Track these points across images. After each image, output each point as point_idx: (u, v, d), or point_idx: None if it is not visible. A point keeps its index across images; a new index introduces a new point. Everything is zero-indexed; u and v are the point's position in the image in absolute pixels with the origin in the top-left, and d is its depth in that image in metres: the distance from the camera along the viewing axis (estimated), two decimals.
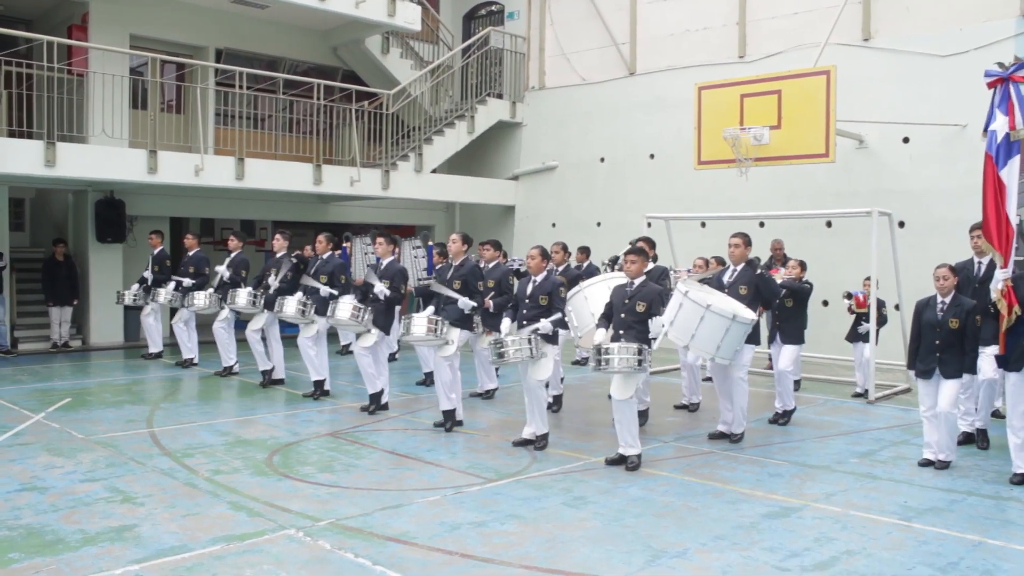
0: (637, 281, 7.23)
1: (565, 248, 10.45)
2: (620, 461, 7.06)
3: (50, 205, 16.03)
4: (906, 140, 12.79)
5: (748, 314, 7.58)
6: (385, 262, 9.24)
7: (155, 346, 12.98)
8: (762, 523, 5.66)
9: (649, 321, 7.09)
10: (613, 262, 9.56)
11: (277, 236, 11.00)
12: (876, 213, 10.45)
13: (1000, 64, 7.21)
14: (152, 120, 12.98)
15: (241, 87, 13.85)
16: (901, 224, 12.22)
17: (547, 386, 9.79)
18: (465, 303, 8.48)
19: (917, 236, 12.36)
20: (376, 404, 9.16)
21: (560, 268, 9.76)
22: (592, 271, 11.95)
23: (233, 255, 11.67)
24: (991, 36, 11.91)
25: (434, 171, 16.61)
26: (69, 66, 12.99)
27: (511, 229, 17.97)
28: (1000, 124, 7.08)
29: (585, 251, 12.57)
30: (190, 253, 12.39)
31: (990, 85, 7.23)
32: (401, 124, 16.35)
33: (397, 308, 12.11)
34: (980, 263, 7.95)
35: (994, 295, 6.93)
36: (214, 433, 8.16)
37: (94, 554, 4.87)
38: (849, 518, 5.79)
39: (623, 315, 7.12)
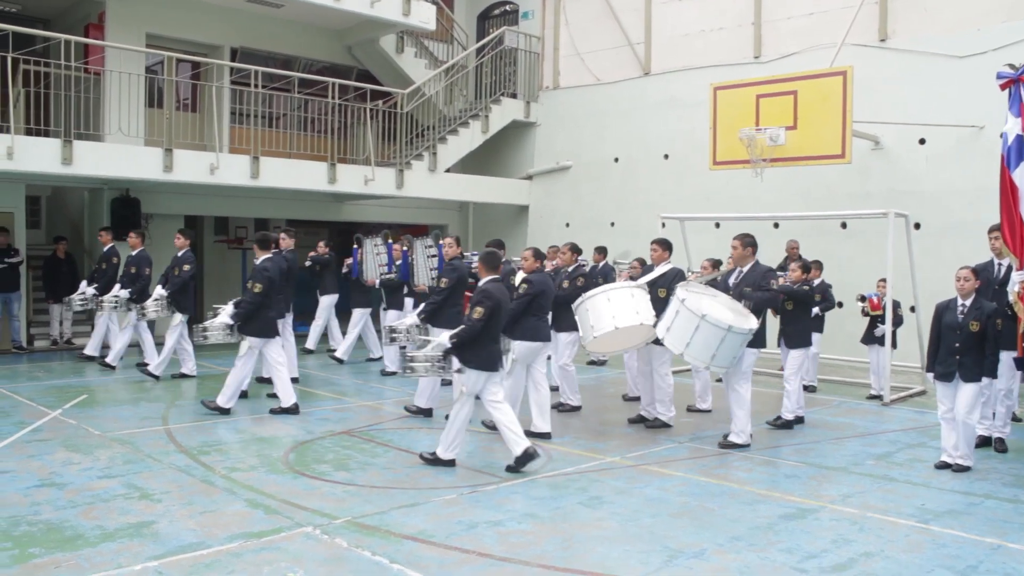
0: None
1: (574, 248, 10.36)
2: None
3: (66, 203, 16.12)
4: (922, 141, 12.73)
5: (745, 324, 7.47)
6: (259, 260, 9.14)
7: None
8: (779, 524, 5.64)
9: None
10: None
11: (282, 235, 11.05)
12: (892, 215, 10.40)
13: (1011, 66, 7.17)
14: (168, 119, 13.02)
15: (256, 86, 13.88)
16: (917, 226, 12.16)
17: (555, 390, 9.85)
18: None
19: (933, 238, 12.30)
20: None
21: (571, 268, 9.74)
22: (607, 271, 11.94)
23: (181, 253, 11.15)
24: (1009, 37, 11.83)
25: (448, 170, 16.62)
26: (86, 65, 13.05)
27: (525, 229, 17.97)
28: (1011, 126, 7.05)
29: (602, 251, 12.56)
30: (133, 253, 11.63)
31: (1003, 87, 7.20)
32: (415, 123, 16.36)
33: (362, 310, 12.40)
34: (1000, 265, 7.90)
35: (1011, 297, 6.90)
36: (230, 431, 8.19)
37: (113, 550, 4.90)
38: (866, 520, 5.76)
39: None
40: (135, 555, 4.82)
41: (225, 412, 8.79)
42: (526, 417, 8.93)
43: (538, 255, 8.35)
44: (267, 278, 8.87)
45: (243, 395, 9.60)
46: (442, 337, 6.96)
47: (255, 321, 8.87)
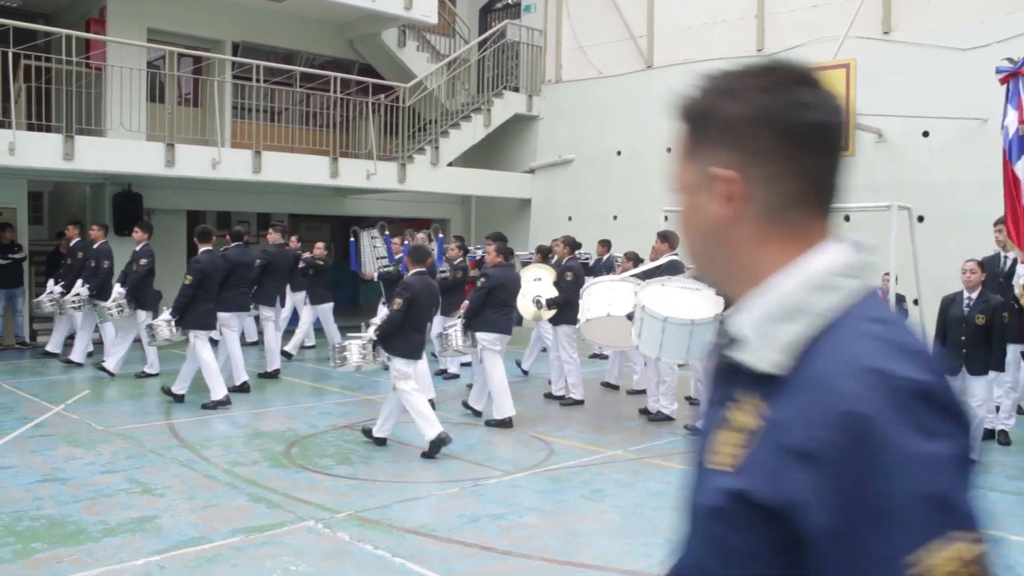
0: None
1: (567, 242, 10.33)
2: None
3: (68, 198, 16.12)
4: (926, 134, 12.68)
5: (686, 314, 7.34)
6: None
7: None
8: None
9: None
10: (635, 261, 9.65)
11: (270, 230, 11.08)
12: (896, 207, 10.35)
13: (1010, 59, 7.16)
14: (169, 113, 13.01)
15: (258, 80, 13.86)
16: (920, 219, 12.10)
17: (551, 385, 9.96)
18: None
19: (937, 231, 12.25)
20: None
21: (564, 260, 9.80)
22: (611, 264, 11.93)
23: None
24: (1013, 29, 11.75)
25: (450, 164, 16.59)
26: (87, 60, 13.04)
27: (527, 223, 17.95)
28: (1011, 119, 7.04)
29: (606, 244, 12.55)
30: (95, 246, 11.22)
31: (1002, 81, 7.19)
32: (417, 117, 16.33)
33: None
34: (1006, 257, 7.87)
35: (1017, 290, 6.87)
36: (232, 425, 8.19)
37: (115, 544, 4.90)
38: None
39: None
40: (137, 549, 4.82)
41: (226, 404, 8.81)
42: (528, 413, 8.92)
43: (501, 250, 8.56)
44: (198, 270, 9.01)
45: (245, 390, 9.60)
46: (370, 330, 7.35)
47: (192, 313, 8.98)
